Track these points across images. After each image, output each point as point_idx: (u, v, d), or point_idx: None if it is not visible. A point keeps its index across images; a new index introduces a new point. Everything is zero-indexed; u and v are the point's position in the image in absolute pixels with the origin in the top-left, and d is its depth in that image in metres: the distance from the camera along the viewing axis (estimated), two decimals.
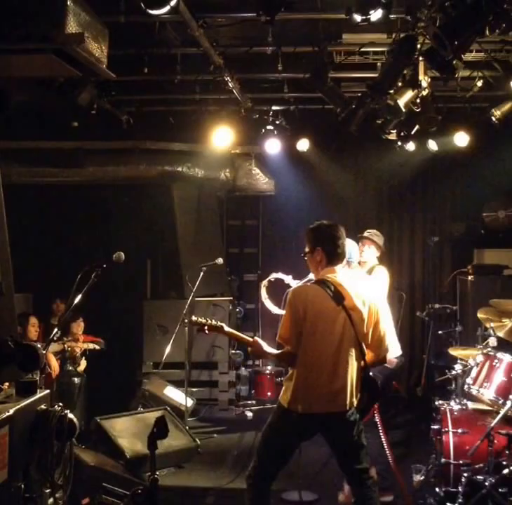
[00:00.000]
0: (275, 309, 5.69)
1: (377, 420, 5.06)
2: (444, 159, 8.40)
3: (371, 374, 4.03)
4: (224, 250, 9.61)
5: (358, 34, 5.49)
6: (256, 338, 4.19)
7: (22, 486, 2.82)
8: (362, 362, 3.95)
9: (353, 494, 4.10)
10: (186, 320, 7.24)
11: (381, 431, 5.07)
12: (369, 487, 3.98)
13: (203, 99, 7.14)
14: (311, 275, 5.46)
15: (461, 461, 4.75)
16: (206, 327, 4.24)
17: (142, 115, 7.57)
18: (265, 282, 5.93)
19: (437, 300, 8.33)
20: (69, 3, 3.30)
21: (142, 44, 5.84)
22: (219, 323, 4.26)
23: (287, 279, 5.64)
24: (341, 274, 4.01)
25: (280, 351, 4.03)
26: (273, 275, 5.88)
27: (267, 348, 4.12)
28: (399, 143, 6.98)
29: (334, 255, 4.01)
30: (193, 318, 4.31)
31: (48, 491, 3.04)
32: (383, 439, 5.09)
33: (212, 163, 8.42)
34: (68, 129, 7.30)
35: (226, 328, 4.26)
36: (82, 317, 7.09)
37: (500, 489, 4.54)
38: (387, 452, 5.10)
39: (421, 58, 5.10)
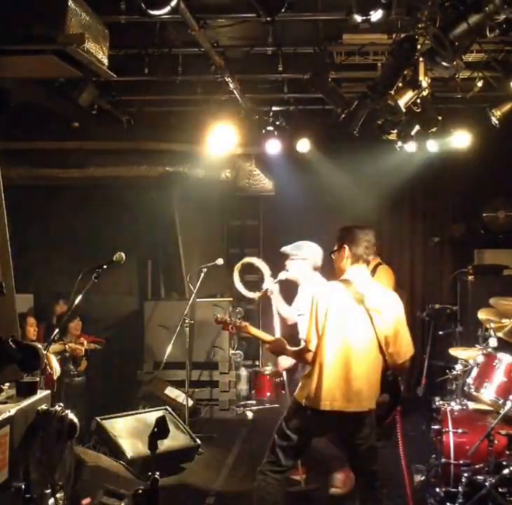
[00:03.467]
0: (247, 293, 5.80)
1: (398, 424, 5.04)
2: (444, 159, 8.40)
3: (393, 377, 4.04)
4: (225, 250, 9.62)
5: (359, 35, 5.49)
6: (278, 336, 4.26)
7: (23, 486, 2.83)
8: (383, 365, 3.97)
9: (360, 494, 4.12)
10: (187, 321, 7.24)
11: (399, 435, 5.03)
12: (376, 488, 4.00)
13: (204, 99, 7.14)
14: (284, 275, 5.52)
15: (461, 461, 4.75)
16: (231, 327, 4.30)
17: (143, 115, 7.57)
18: (238, 265, 6.00)
19: (437, 300, 8.34)
20: (69, 3, 3.30)
21: (142, 45, 5.84)
22: (243, 322, 4.33)
23: (258, 263, 5.70)
24: (365, 275, 4.05)
25: (298, 348, 4.08)
26: (246, 260, 5.95)
27: (287, 346, 4.20)
28: (399, 143, 6.99)
29: (360, 256, 4.06)
30: (219, 316, 4.36)
31: (48, 491, 3.04)
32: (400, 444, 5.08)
33: (213, 163, 8.42)
34: (68, 129, 7.31)
35: (251, 328, 4.31)
36: (79, 317, 7.09)
37: (500, 489, 4.54)
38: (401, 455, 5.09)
39: (421, 58, 5.10)
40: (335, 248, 4.18)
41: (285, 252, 5.50)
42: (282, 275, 5.46)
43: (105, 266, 4.76)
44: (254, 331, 4.40)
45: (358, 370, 3.91)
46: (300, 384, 4.06)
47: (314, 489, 5.50)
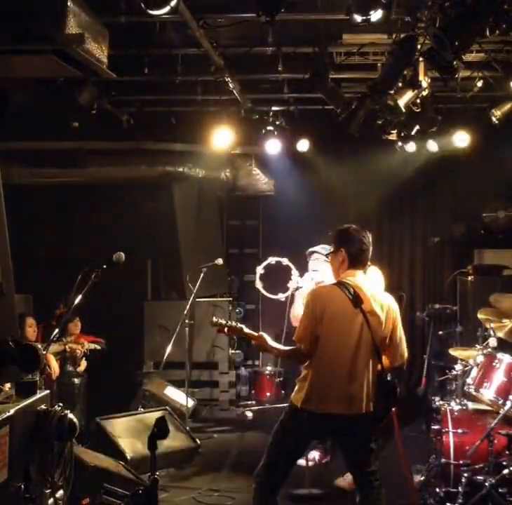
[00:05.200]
0: (270, 295, 5.78)
1: (395, 425, 5.03)
2: (444, 159, 8.40)
3: (389, 379, 4.03)
4: (224, 250, 9.61)
5: (358, 35, 5.50)
6: (261, 333, 4.23)
7: (22, 486, 2.83)
8: (379, 367, 3.96)
9: (359, 494, 4.12)
10: (186, 321, 7.24)
11: (397, 435, 5.02)
12: (375, 488, 4.00)
13: (204, 99, 7.14)
14: (311, 275, 5.50)
15: (461, 462, 4.75)
16: (226, 329, 4.29)
17: (143, 115, 7.57)
18: (260, 268, 6.00)
19: (437, 300, 8.34)
20: (69, 3, 3.31)
21: (142, 44, 5.84)
22: (238, 325, 4.31)
23: (284, 261, 5.74)
24: (361, 278, 4.03)
25: (290, 348, 4.06)
26: (271, 259, 5.96)
27: (273, 343, 4.16)
28: (399, 143, 7.00)
29: (357, 258, 4.03)
30: (214, 319, 4.36)
31: (48, 491, 3.04)
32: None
33: (213, 163, 8.42)
34: (68, 129, 7.31)
35: (246, 329, 4.29)
36: (78, 317, 7.09)
37: (500, 490, 4.54)
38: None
39: (421, 58, 5.10)
40: (331, 250, 4.16)
41: (315, 251, 5.54)
42: (312, 275, 5.46)
43: (105, 266, 4.75)
44: (249, 332, 4.39)
45: (356, 373, 3.89)
46: (296, 387, 4.04)
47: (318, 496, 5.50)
